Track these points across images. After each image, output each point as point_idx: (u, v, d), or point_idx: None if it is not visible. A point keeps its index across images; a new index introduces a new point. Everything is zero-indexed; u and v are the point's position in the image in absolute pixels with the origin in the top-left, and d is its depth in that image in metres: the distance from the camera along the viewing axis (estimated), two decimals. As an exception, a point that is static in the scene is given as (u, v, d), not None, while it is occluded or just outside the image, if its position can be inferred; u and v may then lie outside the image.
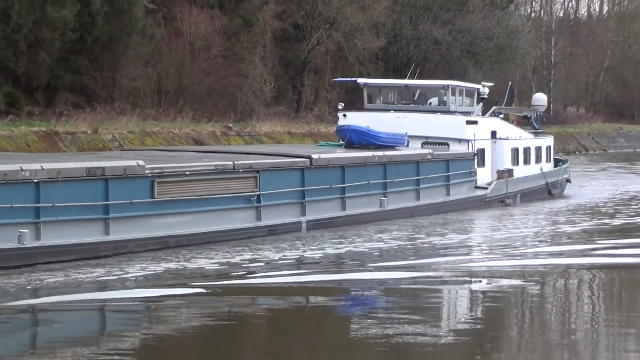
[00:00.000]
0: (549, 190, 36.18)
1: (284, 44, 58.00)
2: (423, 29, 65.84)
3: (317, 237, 23.45)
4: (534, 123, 38.85)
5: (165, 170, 21.13)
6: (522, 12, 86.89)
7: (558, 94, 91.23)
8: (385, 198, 27.13)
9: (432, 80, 37.22)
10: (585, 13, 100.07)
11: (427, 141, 32.38)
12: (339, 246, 22.38)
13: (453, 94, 33.58)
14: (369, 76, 54.75)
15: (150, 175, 20.70)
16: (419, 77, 36.77)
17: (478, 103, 34.96)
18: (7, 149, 31.59)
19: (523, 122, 38.79)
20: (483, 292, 17.63)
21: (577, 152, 74.68)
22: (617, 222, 28.34)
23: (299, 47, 57.92)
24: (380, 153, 27.52)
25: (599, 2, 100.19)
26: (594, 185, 42.27)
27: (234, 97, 50.28)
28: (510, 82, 44.27)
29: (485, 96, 35.17)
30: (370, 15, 60.37)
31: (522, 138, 35.81)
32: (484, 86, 35.25)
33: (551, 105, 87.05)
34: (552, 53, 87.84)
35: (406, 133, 30.79)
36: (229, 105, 49.76)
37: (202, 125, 44.02)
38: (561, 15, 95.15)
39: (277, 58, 56.96)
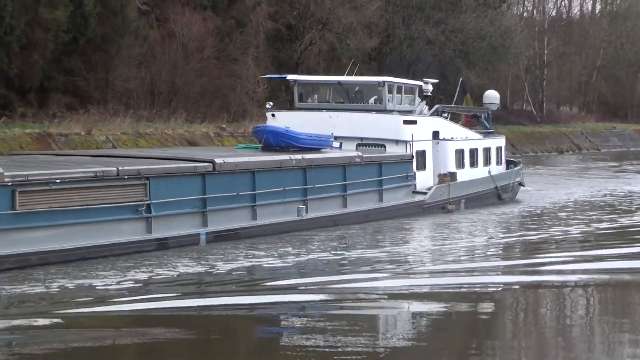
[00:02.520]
0: (499, 195, 33.73)
1: (277, 44, 58.07)
2: (416, 29, 66.00)
3: (219, 250, 20.89)
4: (485, 122, 36.12)
5: (29, 178, 18.88)
6: (515, 12, 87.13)
7: (551, 93, 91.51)
8: (303, 206, 24.82)
9: (367, 77, 35.15)
10: (578, 12, 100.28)
11: (362, 142, 29.83)
12: (245, 261, 19.77)
13: (390, 91, 30.73)
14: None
15: (10, 183, 18.48)
16: (413, 77, 35.37)
17: (422, 101, 32.57)
18: (0, 151, 31.54)
19: (473, 122, 36.09)
20: (422, 316, 14.92)
21: (570, 151, 74.87)
22: (570, 231, 25.67)
23: (292, 47, 57.97)
24: (299, 156, 25.18)
25: (591, 2, 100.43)
26: (554, 189, 39.22)
27: (227, 98, 50.35)
28: (461, 79, 41.88)
29: (429, 93, 33.00)
30: (363, 15, 60.45)
31: (469, 139, 33.18)
32: (426, 83, 32.70)
33: (544, 105, 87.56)
34: (545, 52, 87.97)
35: (332, 134, 28.31)
36: (222, 106, 49.81)
37: (195, 126, 44.08)
38: (554, 14, 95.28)
39: (270, 59, 57.03)
